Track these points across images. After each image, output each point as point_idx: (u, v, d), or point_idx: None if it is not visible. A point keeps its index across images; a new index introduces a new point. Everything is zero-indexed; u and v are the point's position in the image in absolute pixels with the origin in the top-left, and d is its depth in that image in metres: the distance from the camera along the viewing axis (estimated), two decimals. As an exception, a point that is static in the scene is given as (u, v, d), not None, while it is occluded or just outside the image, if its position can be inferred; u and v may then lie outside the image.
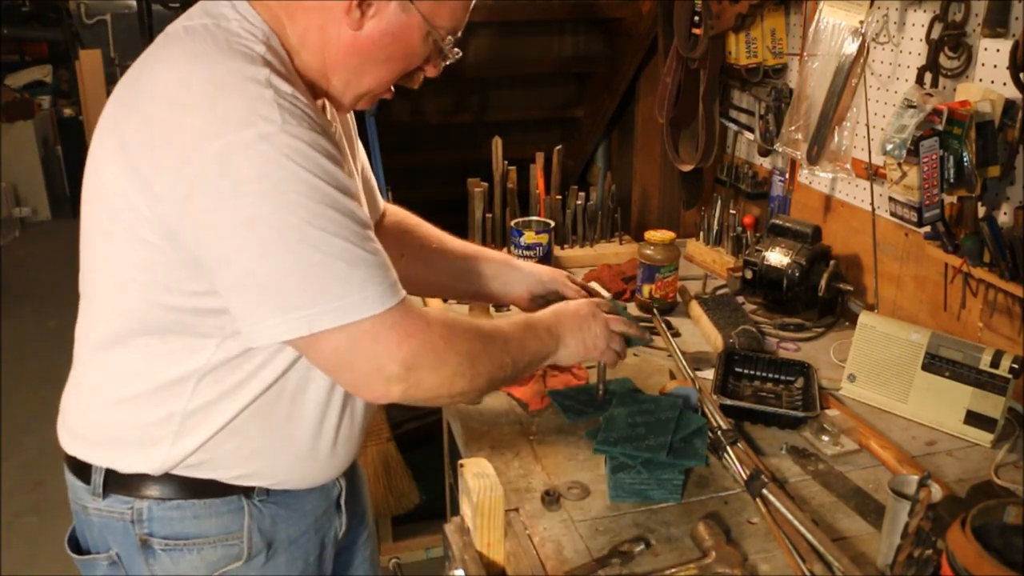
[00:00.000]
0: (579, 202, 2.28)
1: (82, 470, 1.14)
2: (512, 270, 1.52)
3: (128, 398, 1.09)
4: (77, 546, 1.20)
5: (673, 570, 1.11)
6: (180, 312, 1.03)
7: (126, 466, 1.11)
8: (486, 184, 2.24)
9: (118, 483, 1.12)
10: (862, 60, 1.74)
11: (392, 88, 1.15)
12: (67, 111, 6.75)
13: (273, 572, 1.19)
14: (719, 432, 1.37)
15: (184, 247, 0.98)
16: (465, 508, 1.24)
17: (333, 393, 1.16)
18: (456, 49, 1.12)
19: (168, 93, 0.95)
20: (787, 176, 2.13)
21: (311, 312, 0.96)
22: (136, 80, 1.01)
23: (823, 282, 1.83)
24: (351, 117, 1.34)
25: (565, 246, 2.29)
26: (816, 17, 1.81)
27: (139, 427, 1.09)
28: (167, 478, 1.11)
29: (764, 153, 2.19)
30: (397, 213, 1.52)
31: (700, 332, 1.85)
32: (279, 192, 0.92)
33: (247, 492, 1.14)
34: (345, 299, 0.96)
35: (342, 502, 1.31)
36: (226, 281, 0.98)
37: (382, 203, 1.50)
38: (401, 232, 1.49)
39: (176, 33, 1.03)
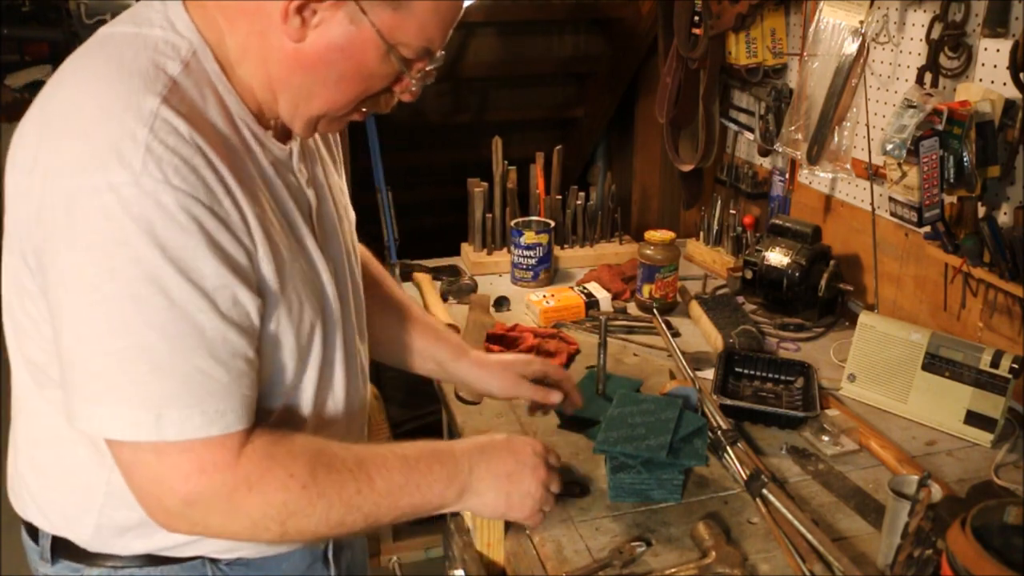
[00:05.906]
0: (579, 202, 2.28)
1: (33, 532, 1.02)
2: (481, 369, 1.32)
3: (54, 458, 0.96)
4: None
5: (673, 570, 1.11)
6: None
7: (69, 532, 0.98)
8: (486, 184, 2.24)
9: (67, 549, 0.99)
10: (862, 60, 1.74)
11: (363, 111, 0.97)
12: (67, 111, 6.75)
13: None
14: (719, 432, 1.38)
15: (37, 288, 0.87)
16: (465, 508, 1.24)
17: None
18: (431, 71, 0.94)
19: (57, 114, 0.83)
20: (787, 176, 2.13)
21: (97, 411, 0.81)
22: (50, 92, 0.87)
23: (823, 282, 1.83)
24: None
25: (565, 246, 2.29)
26: (816, 17, 1.81)
27: (72, 490, 0.96)
28: None
29: (764, 153, 2.19)
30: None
31: (700, 332, 1.86)
32: (105, 255, 0.78)
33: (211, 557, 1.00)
34: (137, 411, 0.80)
35: (330, 556, 1.12)
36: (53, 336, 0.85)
37: None
38: None
39: (96, 41, 0.89)
